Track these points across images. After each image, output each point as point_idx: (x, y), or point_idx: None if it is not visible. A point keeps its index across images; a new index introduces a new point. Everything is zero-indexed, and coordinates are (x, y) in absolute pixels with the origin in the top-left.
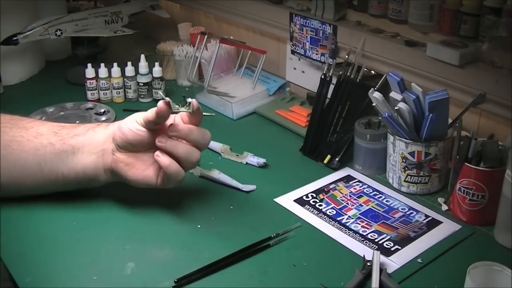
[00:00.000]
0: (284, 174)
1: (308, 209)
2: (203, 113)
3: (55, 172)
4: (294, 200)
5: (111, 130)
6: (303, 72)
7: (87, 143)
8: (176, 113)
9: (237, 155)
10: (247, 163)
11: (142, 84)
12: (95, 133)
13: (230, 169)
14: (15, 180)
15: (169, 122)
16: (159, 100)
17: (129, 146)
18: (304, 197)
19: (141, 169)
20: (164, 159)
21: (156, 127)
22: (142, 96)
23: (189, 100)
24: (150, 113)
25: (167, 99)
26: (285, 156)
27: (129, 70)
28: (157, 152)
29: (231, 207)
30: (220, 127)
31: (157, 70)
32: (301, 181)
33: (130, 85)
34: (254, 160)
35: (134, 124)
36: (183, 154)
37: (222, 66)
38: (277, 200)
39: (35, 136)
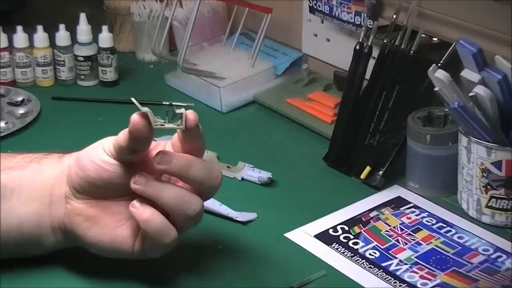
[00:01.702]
0: (299, 196)
1: (337, 249)
2: (177, 104)
3: None
4: (316, 236)
5: (65, 164)
6: (328, 40)
7: (26, 183)
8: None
9: (228, 167)
10: (243, 178)
11: (82, 59)
12: (40, 168)
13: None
14: None
15: (158, 148)
16: (107, 81)
17: (92, 190)
18: (331, 231)
19: (109, 227)
20: (142, 211)
21: (134, 158)
22: (82, 77)
23: (180, 110)
24: (122, 135)
25: (145, 109)
26: (300, 169)
27: (62, 37)
28: (134, 202)
29: (219, 247)
30: (202, 124)
31: (105, 38)
32: (325, 206)
33: (64, 60)
34: (254, 174)
35: (100, 154)
36: (174, 202)
37: (205, 31)
38: (289, 235)
39: None
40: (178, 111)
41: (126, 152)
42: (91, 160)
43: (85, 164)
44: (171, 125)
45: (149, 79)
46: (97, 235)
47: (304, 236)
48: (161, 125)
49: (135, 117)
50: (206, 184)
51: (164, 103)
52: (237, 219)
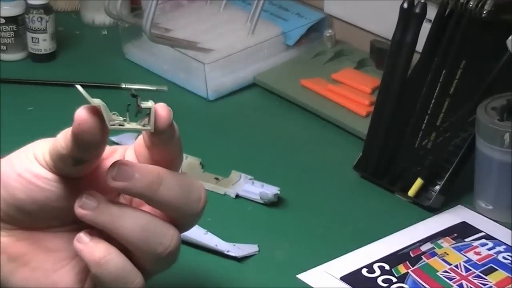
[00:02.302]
0: (318, 221)
1: None
2: (143, 88)
3: None
4: (342, 278)
5: None
6: None
7: None
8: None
9: (217, 179)
10: (238, 195)
11: (2, 21)
12: None
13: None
14: None
15: (114, 157)
16: (39, 54)
17: (20, 217)
18: (365, 272)
19: (43, 271)
20: (93, 249)
21: (80, 170)
22: (3, 47)
23: (147, 103)
24: (63, 138)
25: (97, 101)
26: (321, 182)
27: None
28: (80, 234)
29: None
30: (181, 117)
31: None
32: (356, 235)
33: None
34: (255, 189)
35: (30, 165)
36: (139, 235)
37: None
38: (304, 277)
39: None
40: (144, 104)
41: (68, 163)
42: (18, 173)
43: (8, 180)
44: (134, 125)
45: (101, 51)
46: (26, 281)
47: (325, 278)
48: (120, 124)
49: (81, 114)
50: (184, 209)
51: (123, 86)
52: (229, 253)
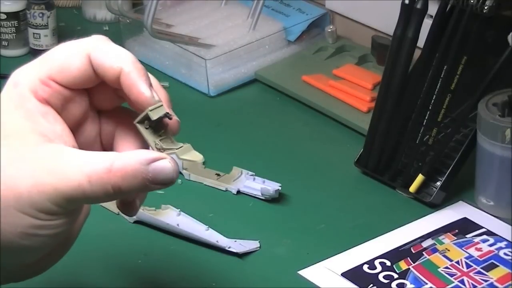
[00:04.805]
0: (320, 217)
1: None
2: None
3: None
4: (344, 274)
5: None
6: None
7: None
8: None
9: (218, 175)
10: (240, 191)
11: (4, 17)
12: None
13: (204, 205)
14: None
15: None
16: (41, 50)
17: None
18: (366, 268)
19: None
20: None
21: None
22: (4, 43)
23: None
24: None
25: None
26: (322, 177)
27: None
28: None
29: (213, 285)
30: (181, 112)
31: None
32: (357, 231)
33: None
34: (256, 185)
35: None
36: None
37: None
38: (305, 273)
39: None
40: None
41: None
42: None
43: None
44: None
45: None
46: None
47: (326, 274)
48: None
49: (165, 165)
50: None
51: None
52: (230, 249)
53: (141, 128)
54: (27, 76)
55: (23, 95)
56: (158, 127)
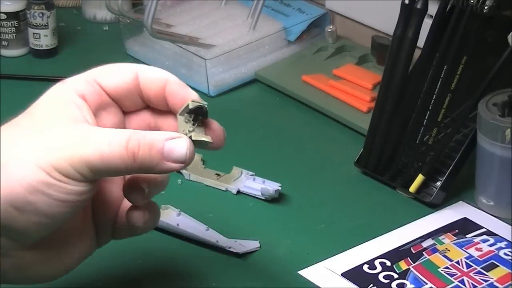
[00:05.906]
0: (319, 217)
1: None
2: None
3: None
4: (344, 274)
5: None
6: None
7: None
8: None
9: (218, 175)
10: (240, 191)
11: (4, 17)
12: None
13: (204, 205)
14: None
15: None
16: (40, 50)
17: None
18: (366, 268)
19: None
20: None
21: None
22: (4, 43)
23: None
24: (141, 156)
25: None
26: (322, 177)
27: None
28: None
29: (213, 285)
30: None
31: None
32: (357, 231)
33: None
34: (256, 185)
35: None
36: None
37: None
38: (305, 273)
39: None
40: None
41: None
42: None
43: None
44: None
45: (102, 47)
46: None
47: (326, 274)
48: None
49: (181, 143)
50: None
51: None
52: (230, 250)
53: (179, 118)
54: (75, 77)
55: (65, 88)
56: (198, 124)
